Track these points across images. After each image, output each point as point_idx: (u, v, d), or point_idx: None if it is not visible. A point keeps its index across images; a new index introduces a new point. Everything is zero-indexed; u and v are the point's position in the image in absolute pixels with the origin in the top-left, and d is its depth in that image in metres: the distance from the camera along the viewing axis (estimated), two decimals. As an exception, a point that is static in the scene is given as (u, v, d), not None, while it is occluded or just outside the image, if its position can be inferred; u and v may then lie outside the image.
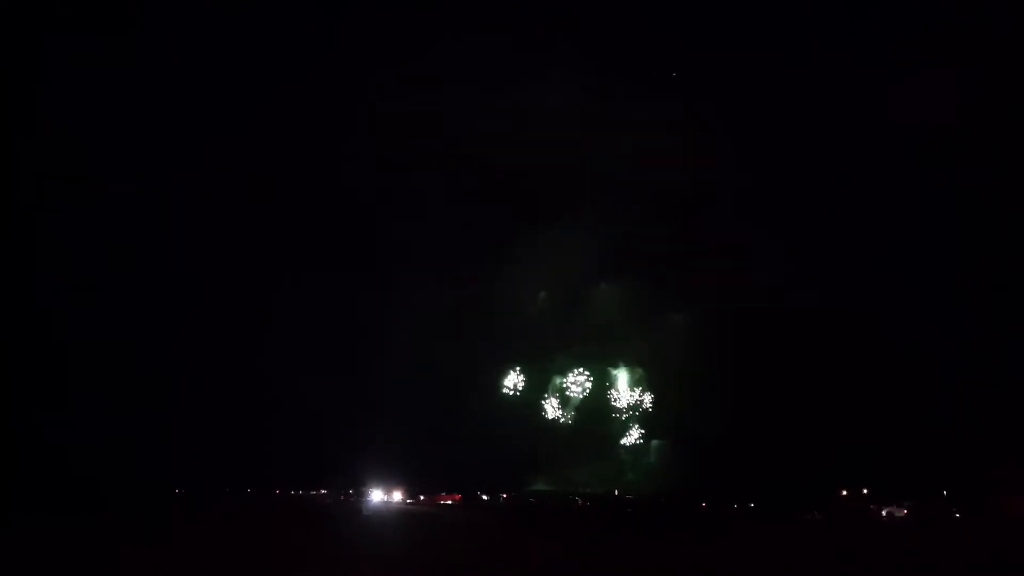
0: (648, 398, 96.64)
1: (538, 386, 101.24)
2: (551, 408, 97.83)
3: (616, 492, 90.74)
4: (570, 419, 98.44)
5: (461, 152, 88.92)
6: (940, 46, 76.29)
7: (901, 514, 66.53)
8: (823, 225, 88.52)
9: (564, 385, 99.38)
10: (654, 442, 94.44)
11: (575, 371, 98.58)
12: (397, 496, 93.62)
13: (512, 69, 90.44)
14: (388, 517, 60.85)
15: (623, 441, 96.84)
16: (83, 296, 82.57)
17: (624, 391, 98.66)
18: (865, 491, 75.48)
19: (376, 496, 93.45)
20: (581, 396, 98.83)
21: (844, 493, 77.61)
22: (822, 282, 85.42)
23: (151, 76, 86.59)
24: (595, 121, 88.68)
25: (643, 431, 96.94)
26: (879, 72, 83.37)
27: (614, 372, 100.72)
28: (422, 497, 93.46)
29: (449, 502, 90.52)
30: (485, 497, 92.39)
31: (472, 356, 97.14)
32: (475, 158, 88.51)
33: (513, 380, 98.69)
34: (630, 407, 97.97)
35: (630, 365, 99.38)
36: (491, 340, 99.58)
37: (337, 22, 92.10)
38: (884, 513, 68.00)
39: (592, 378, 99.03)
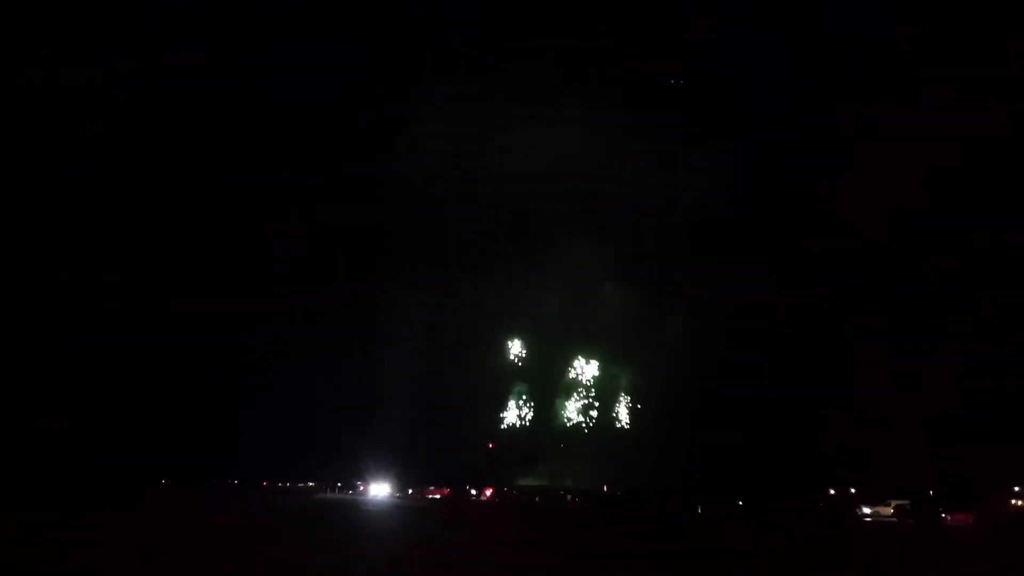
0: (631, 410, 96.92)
1: (540, 384, 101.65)
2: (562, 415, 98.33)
3: (605, 488, 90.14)
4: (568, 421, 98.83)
5: (474, 163, 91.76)
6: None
7: (888, 514, 65.41)
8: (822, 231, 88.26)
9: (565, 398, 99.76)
10: (644, 440, 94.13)
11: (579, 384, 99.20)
12: (386, 490, 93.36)
13: (521, 89, 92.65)
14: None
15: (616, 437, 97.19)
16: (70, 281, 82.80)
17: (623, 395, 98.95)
18: (853, 491, 74.56)
19: (380, 490, 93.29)
20: (582, 403, 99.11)
21: (832, 492, 76.79)
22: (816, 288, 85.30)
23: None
24: (602, 138, 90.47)
25: (633, 428, 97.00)
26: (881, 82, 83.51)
27: (615, 370, 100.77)
28: (410, 491, 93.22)
29: (437, 496, 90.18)
30: (473, 492, 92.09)
31: (475, 364, 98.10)
32: (486, 168, 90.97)
33: (516, 412, 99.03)
34: (625, 405, 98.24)
35: (628, 364, 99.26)
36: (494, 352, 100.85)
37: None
38: (867, 511, 67.04)
39: (593, 391, 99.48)
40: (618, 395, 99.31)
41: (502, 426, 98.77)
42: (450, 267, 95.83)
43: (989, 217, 78.28)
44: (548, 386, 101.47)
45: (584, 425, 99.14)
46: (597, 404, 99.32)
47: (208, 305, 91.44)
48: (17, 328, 77.83)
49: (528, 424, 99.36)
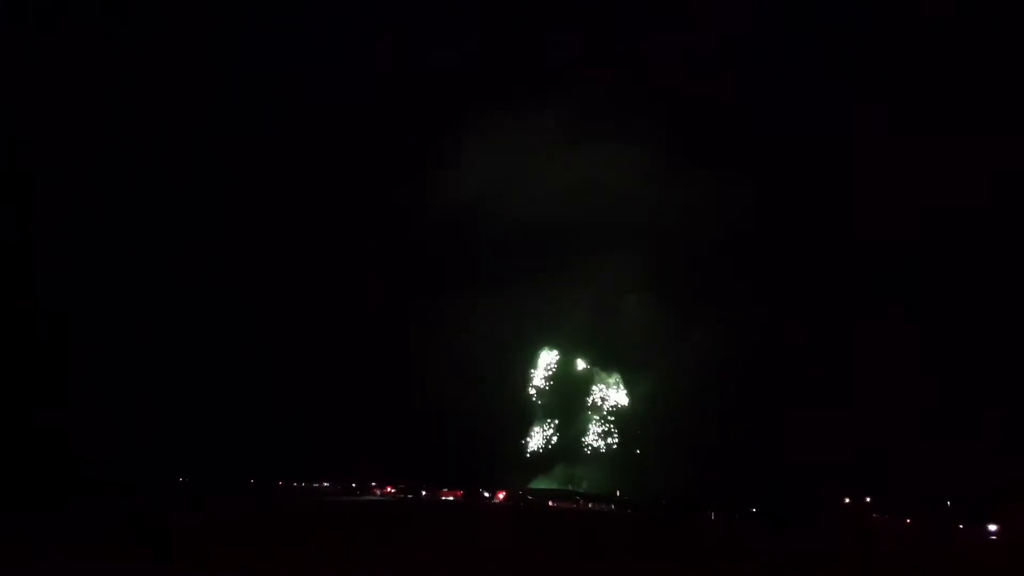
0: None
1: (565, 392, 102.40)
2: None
3: (618, 492, 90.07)
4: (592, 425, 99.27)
5: (517, 192, 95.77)
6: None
7: (904, 524, 64.99)
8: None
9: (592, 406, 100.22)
10: (660, 448, 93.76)
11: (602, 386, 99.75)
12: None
13: (550, 113, 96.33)
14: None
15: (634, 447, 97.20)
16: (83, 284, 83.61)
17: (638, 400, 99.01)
18: (868, 500, 74.03)
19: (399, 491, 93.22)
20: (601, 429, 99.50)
21: (847, 501, 76.15)
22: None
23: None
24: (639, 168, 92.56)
25: (649, 436, 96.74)
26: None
27: (632, 377, 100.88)
28: (423, 492, 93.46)
29: (451, 498, 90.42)
30: (486, 494, 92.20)
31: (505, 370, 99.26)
32: (527, 197, 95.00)
33: (542, 436, 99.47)
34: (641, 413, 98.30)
35: (647, 375, 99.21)
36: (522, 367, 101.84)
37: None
38: (880, 518, 66.65)
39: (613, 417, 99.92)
40: (637, 411, 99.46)
41: (526, 454, 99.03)
42: (479, 283, 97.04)
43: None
44: (569, 400, 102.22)
45: (602, 448, 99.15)
46: (616, 432, 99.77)
47: (233, 307, 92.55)
48: (24, 329, 78.15)
49: (551, 446, 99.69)
